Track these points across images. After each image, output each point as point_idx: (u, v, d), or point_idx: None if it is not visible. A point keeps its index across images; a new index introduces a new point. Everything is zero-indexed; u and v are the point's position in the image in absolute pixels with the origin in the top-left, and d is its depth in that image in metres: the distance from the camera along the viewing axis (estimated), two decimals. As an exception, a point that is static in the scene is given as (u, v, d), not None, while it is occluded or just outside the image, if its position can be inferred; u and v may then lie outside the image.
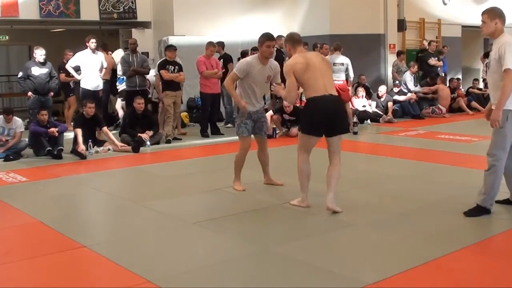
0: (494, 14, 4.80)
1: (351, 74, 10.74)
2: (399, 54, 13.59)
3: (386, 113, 11.84)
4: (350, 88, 11.08)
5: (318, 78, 5.03)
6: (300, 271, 3.74)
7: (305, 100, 5.27)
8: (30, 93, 9.44)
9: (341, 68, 10.62)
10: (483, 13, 4.84)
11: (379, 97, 12.02)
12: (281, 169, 6.23)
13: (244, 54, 10.43)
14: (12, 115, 8.28)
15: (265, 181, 6.15)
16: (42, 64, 9.39)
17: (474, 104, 13.19)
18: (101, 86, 9.72)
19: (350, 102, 11.11)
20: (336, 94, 5.28)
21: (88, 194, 6.31)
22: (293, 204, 5.36)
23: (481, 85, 14.44)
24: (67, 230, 4.66)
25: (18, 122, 8.35)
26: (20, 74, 9.43)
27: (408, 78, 12.72)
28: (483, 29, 4.83)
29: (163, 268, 3.83)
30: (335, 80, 10.67)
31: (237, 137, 9.45)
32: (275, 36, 12.17)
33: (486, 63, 14.17)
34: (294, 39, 5.34)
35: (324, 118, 5.00)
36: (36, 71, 9.32)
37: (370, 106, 11.86)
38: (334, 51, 10.78)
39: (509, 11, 17.88)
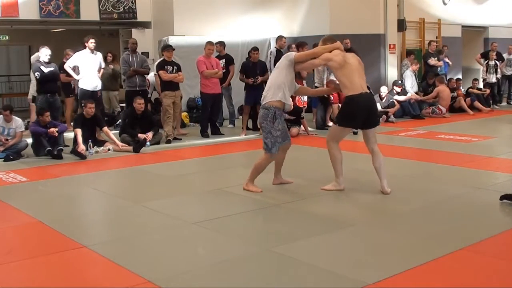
0: None
1: None
2: (409, 54, 13.60)
3: (386, 112, 11.84)
4: None
5: (355, 78, 5.58)
6: (300, 271, 3.74)
7: (345, 98, 5.71)
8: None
9: None
10: None
11: (381, 98, 12.02)
12: (283, 169, 6.22)
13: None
14: (11, 112, 8.27)
15: (274, 182, 6.07)
16: (47, 63, 9.43)
17: (477, 104, 13.17)
18: (99, 87, 9.70)
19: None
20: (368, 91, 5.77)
21: (88, 194, 6.31)
22: (326, 189, 5.65)
23: (481, 85, 14.47)
24: (67, 230, 4.66)
25: (18, 122, 8.34)
26: (37, 75, 9.35)
27: (409, 75, 12.77)
28: None
29: (163, 268, 3.83)
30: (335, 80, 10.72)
31: (236, 138, 9.45)
32: (275, 36, 12.26)
33: (486, 63, 14.28)
34: (333, 40, 5.91)
35: (362, 113, 5.56)
36: (44, 70, 9.37)
37: None
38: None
39: (509, 11, 17.94)
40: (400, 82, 12.75)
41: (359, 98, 5.53)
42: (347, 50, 10.82)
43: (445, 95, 12.64)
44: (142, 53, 11.24)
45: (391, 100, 12.04)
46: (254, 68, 10.32)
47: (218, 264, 3.91)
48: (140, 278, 3.62)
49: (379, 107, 11.84)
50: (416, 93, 12.83)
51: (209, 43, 10.20)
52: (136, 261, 3.96)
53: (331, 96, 10.81)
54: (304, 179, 6.22)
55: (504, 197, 5.21)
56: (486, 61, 14.36)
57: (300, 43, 10.95)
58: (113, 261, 3.94)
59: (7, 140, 8.12)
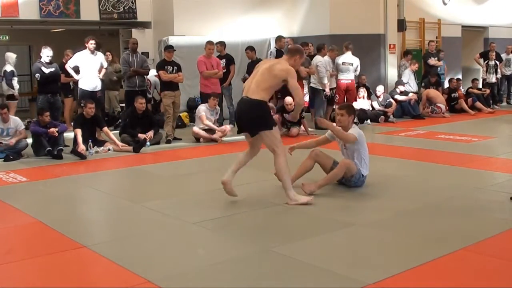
0: None
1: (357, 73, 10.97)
2: (406, 54, 13.60)
3: (385, 113, 11.85)
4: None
5: (247, 82, 5.49)
6: (300, 271, 3.74)
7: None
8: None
9: (349, 68, 10.72)
10: None
11: (377, 97, 12.07)
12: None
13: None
14: (8, 110, 8.24)
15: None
16: (49, 64, 9.48)
17: (478, 104, 13.17)
18: (99, 87, 9.70)
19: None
20: (251, 96, 5.30)
21: (88, 194, 6.31)
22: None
23: (481, 85, 14.49)
24: (67, 230, 4.66)
25: (17, 121, 8.33)
26: (38, 76, 9.50)
27: (407, 74, 12.83)
28: None
29: (163, 268, 3.83)
30: (343, 79, 10.78)
31: (236, 138, 9.43)
32: (275, 36, 12.32)
33: (486, 63, 14.28)
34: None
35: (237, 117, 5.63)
36: (45, 71, 9.40)
37: (372, 106, 11.89)
38: (345, 50, 10.88)
39: (509, 11, 17.94)
40: (403, 81, 12.81)
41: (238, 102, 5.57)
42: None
43: (433, 94, 12.82)
44: (142, 53, 11.23)
45: (388, 100, 12.07)
46: (251, 67, 10.37)
47: (218, 264, 3.91)
48: (140, 278, 3.62)
49: (376, 106, 11.89)
50: (416, 93, 12.87)
51: (210, 42, 10.20)
52: (136, 261, 3.96)
53: (336, 96, 10.84)
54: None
55: None
56: (486, 61, 14.37)
57: (301, 44, 10.98)
58: (113, 261, 3.94)
59: (6, 145, 8.05)
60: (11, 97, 10.60)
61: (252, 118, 5.32)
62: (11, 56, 10.66)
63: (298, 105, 5.57)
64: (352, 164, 5.79)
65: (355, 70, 10.87)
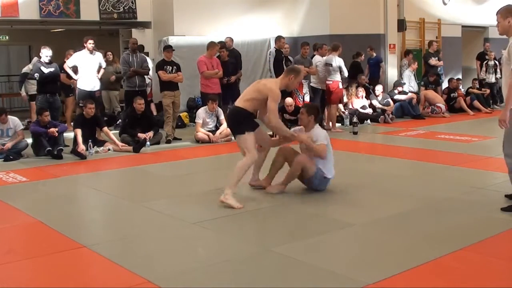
0: (506, 12, 4.91)
1: (345, 74, 10.76)
2: (407, 53, 13.61)
3: (384, 112, 11.86)
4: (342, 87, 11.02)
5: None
6: (300, 271, 3.74)
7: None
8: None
9: (328, 68, 10.60)
10: (497, 13, 5.04)
11: (376, 96, 12.10)
12: (282, 168, 6.22)
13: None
14: (6, 114, 8.24)
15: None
16: (48, 64, 9.49)
17: (476, 103, 13.21)
18: (97, 87, 9.71)
19: (338, 104, 11.07)
20: (236, 104, 5.67)
21: (88, 194, 6.31)
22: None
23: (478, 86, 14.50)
24: (67, 230, 4.66)
25: (16, 121, 8.32)
26: (37, 76, 9.51)
27: (407, 75, 12.84)
28: (499, 28, 5.01)
29: (163, 268, 3.83)
30: (326, 81, 10.67)
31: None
32: (275, 36, 12.27)
33: (486, 63, 14.29)
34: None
35: None
36: (44, 70, 9.42)
37: (372, 105, 11.91)
38: (329, 52, 10.79)
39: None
40: (402, 82, 12.81)
41: None
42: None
43: (431, 95, 12.89)
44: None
45: (386, 100, 12.09)
46: (226, 67, 10.33)
47: (218, 264, 3.91)
48: (140, 278, 3.62)
49: (377, 104, 11.92)
50: (416, 93, 12.90)
51: (213, 43, 10.15)
52: (136, 261, 3.96)
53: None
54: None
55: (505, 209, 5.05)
56: (485, 61, 14.38)
57: (302, 44, 10.96)
58: (113, 261, 3.94)
59: (2, 148, 8.04)
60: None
61: (231, 122, 5.76)
62: (34, 60, 10.81)
63: (275, 128, 5.71)
64: (307, 163, 5.65)
65: (337, 71, 10.60)
